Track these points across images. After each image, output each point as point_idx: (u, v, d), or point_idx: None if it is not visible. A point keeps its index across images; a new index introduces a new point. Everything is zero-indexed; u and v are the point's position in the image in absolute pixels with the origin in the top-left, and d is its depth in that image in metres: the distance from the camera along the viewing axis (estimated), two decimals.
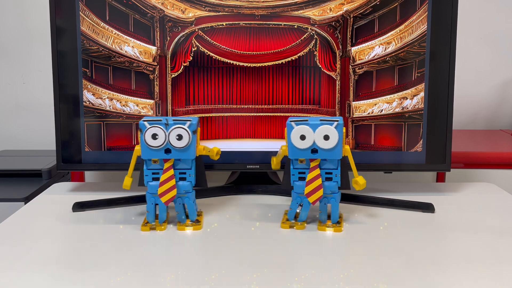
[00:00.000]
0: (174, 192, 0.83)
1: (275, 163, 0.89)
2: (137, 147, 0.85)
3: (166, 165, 0.84)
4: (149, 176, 0.85)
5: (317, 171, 0.83)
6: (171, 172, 0.84)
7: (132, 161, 0.85)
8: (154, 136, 0.82)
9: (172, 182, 0.83)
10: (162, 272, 0.69)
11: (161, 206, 0.85)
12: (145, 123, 0.82)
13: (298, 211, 0.86)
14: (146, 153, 0.83)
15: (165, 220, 0.86)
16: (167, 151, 0.83)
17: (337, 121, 0.81)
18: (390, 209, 0.95)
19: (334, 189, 0.84)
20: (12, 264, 0.72)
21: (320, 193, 0.83)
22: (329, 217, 0.86)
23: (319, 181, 0.83)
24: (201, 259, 0.75)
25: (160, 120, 0.83)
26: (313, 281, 0.67)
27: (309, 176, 0.83)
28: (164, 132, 0.82)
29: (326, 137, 0.81)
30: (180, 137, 0.82)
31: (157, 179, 0.85)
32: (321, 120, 0.82)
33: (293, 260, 0.74)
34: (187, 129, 0.82)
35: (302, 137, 0.82)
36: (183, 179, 0.85)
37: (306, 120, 0.82)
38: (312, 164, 0.83)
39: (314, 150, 0.82)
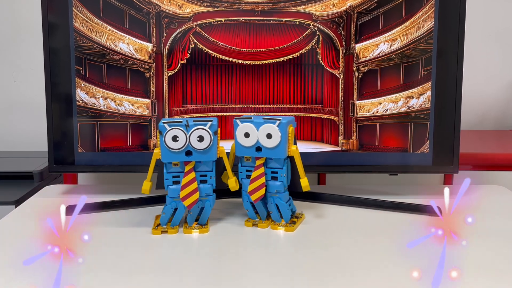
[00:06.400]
0: (196, 195, 0.82)
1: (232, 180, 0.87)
2: (156, 150, 0.83)
3: (187, 168, 0.82)
4: (169, 179, 0.83)
5: (261, 170, 0.83)
6: (193, 174, 0.82)
7: (151, 164, 0.84)
8: (175, 138, 0.81)
9: (194, 185, 0.82)
10: (171, 276, 0.68)
11: (180, 209, 0.83)
12: (165, 125, 0.81)
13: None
14: (166, 156, 0.82)
15: (177, 224, 0.85)
16: (188, 153, 0.82)
17: (279, 120, 0.81)
18: (395, 212, 0.93)
19: (280, 188, 0.84)
20: (4, 268, 0.71)
21: (262, 191, 0.83)
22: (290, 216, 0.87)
23: (262, 180, 0.83)
24: (208, 263, 0.74)
25: (181, 122, 0.81)
26: (314, 283, 0.65)
27: (253, 175, 0.83)
28: (185, 133, 0.81)
29: (269, 136, 0.82)
30: (201, 139, 0.81)
31: (178, 182, 0.83)
32: (264, 118, 0.83)
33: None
34: (208, 130, 0.81)
35: (246, 135, 0.83)
36: (204, 181, 0.84)
37: (251, 118, 0.83)
38: (258, 163, 0.84)
39: (258, 148, 0.83)
